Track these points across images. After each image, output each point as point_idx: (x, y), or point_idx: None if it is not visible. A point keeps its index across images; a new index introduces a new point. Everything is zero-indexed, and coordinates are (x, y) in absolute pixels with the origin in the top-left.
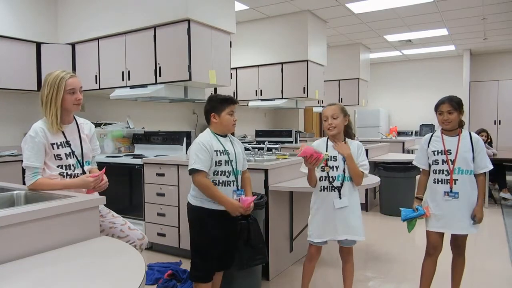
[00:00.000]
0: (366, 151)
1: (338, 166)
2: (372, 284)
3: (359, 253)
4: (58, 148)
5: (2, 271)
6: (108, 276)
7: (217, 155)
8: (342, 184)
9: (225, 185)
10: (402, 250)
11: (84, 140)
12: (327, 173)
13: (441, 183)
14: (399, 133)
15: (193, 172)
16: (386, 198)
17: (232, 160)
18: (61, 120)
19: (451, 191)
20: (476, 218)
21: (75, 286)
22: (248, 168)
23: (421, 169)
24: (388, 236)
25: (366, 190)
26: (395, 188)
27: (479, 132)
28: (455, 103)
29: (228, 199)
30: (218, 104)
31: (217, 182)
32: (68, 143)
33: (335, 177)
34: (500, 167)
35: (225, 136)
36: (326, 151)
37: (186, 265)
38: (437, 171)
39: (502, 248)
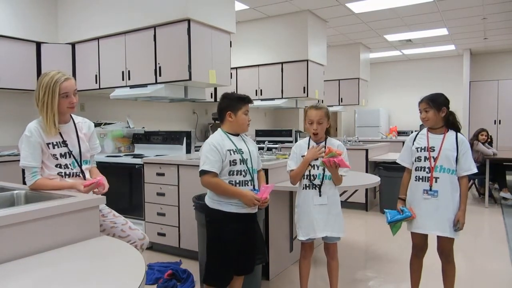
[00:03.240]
0: (366, 151)
1: (319, 165)
2: (372, 284)
3: (359, 253)
4: (54, 148)
5: (2, 271)
6: (108, 276)
7: (230, 154)
8: (322, 182)
9: (242, 185)
10: (402, 250)
11: (82, 140)
12: (309, 171)
13: (422, 181)
14: (399, 133)
15: (201, 173)
16: (386, 198)
17: (246, 159)
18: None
19: (430, 189)
20: (459, 224)
21: (75, 286)
22: None
23: (405, 170)
24: (388, 236)
25: (366, 190)
26: (395, 188)
27: (479, 131)
28: (431, 102)
29: (241, 191)
30: (235, 103)
31: (233, 182)
32: (64, 143)
33: (315, 175)
34: (500, 167)
35: (237, 135)
36: None
37: (186, 265)
38: (419, 168)
39: (502, 248)
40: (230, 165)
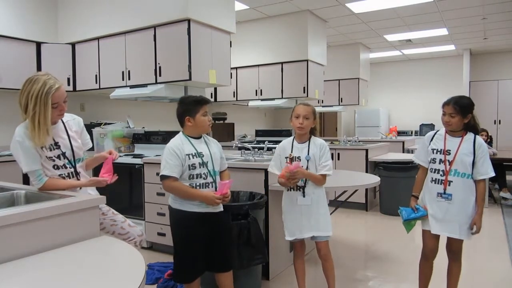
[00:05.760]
0: (366, 151)
1: (302, 166)
2: (372, 284)
3: (359, 253)
4: (47, 150)
5: (2, 271)
6: (108, 276)
7: (189, 158)
8: (305, 183)
9: (203, 187)
10: (402, 250)
11: (73, 139)
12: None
13: (436, 183)
14: (399, 133)
15: (162, 178)
16: (386, 198)
17: (207, 162)
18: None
19: (444, 193)
20: (475, 227)
21: (75, 286)
22: (248, 168)
23: (419, 166)
24: (388, 236)
25: (366, 190)
26: (395, 188)
27: (479, 131)
28: (458, 107)
29: (202, 193)
30: (191, 106)
31: (194, 185)
32: (56, 145)
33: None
34: (500, 167)
35: (199, 137)
36: (291, 152)
37: None
38: (434, 170)
39: (502, 248)
40: (190, 169)
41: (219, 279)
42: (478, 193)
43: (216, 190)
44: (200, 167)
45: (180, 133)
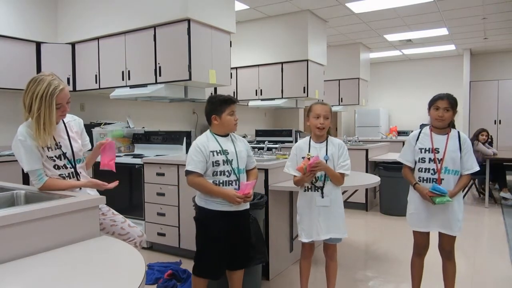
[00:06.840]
0: (366, 151)
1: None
2: (372, 284)
3: (359, 253)
4: (48, 150)
5: (2, 271)
6: (108, 276)
7: (213, 155)
8: (324, 184)
9: (226, 185)
10: (402, 250)
11: (73, 139)
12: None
13: (426, 182)
14: (399, 133)
15: (186, 174)
16: (386, 198)
17: (231, 160)
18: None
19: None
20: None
21: (75, 286)
22: None
23: (403, 165)
24: (388, 236)
25: (366, 190)
26: (395, 188)
27: (480, 132)
28: (453, 101)
29: (224, 190)
30: (218, 106)
31: (217, 182)
32: (57, 145)
33: (317, 177)
34: (500, 167)
35: (226, 135)
36: (309, 152)
37: (186, 265)
38: (423, 170)
39: (502, 248)
40: (213, 166)
41: (231, 276)
42: (459, 183)
43: (239, 188)
44: (224, 164)
45: (208, 130)
